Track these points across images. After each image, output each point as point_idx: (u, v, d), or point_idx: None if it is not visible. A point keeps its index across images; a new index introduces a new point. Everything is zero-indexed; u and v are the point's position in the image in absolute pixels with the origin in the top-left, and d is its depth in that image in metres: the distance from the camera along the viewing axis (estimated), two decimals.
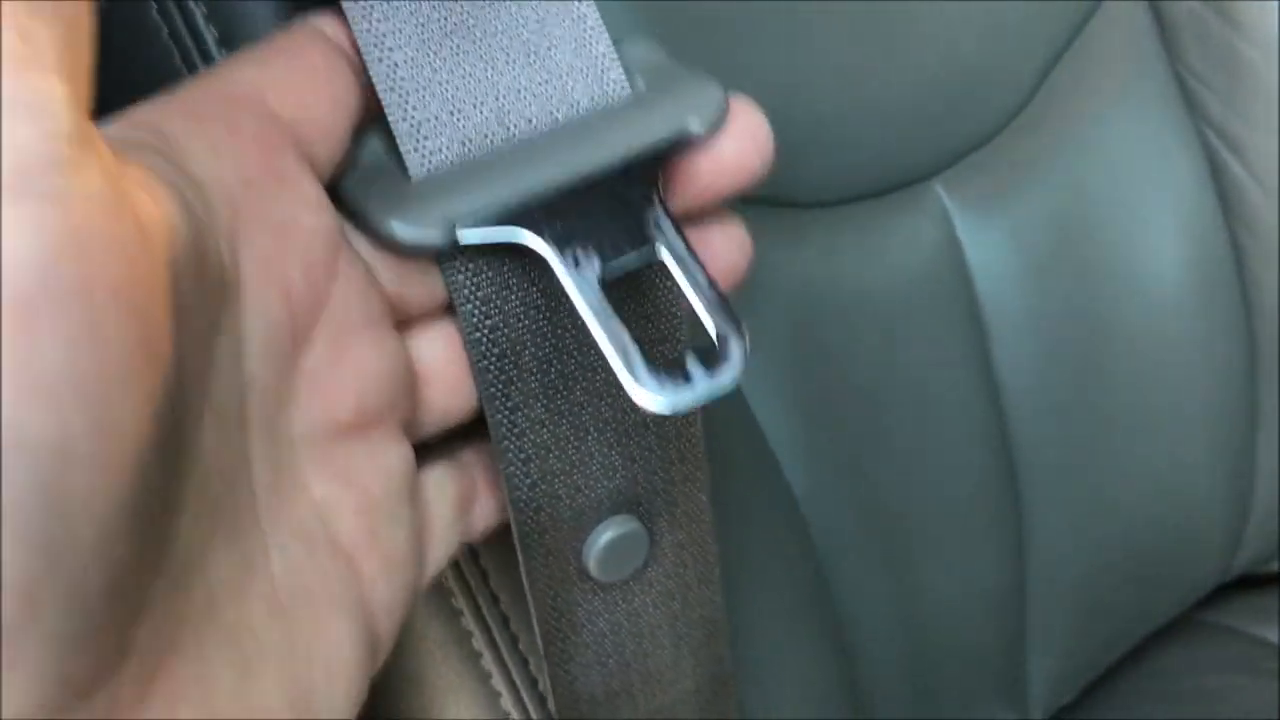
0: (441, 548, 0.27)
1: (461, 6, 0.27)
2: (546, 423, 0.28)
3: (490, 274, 0.26)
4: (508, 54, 0.27)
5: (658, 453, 0.29)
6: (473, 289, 0.26)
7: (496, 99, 0.27)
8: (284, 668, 0.22)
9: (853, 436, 0.48)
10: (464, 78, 0.26)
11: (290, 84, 0.24)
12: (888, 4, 0.48)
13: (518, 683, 0.34)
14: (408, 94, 0.26)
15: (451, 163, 0.26)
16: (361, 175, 0.26)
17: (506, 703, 0.35)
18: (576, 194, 0.26)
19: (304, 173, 0.24)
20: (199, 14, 0.30)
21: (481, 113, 0.26)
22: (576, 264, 0.25)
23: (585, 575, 0.30)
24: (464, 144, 0.26)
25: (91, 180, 0.17)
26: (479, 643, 0.34)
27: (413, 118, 0.26)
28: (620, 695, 0.32)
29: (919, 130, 0.50)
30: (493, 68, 0.27)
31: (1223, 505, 0.61)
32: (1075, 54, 0.55)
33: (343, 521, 0.24)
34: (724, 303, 0.25)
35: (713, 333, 0.25)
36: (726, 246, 0.28)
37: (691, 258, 0.26)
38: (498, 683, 0.34)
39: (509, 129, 0.27)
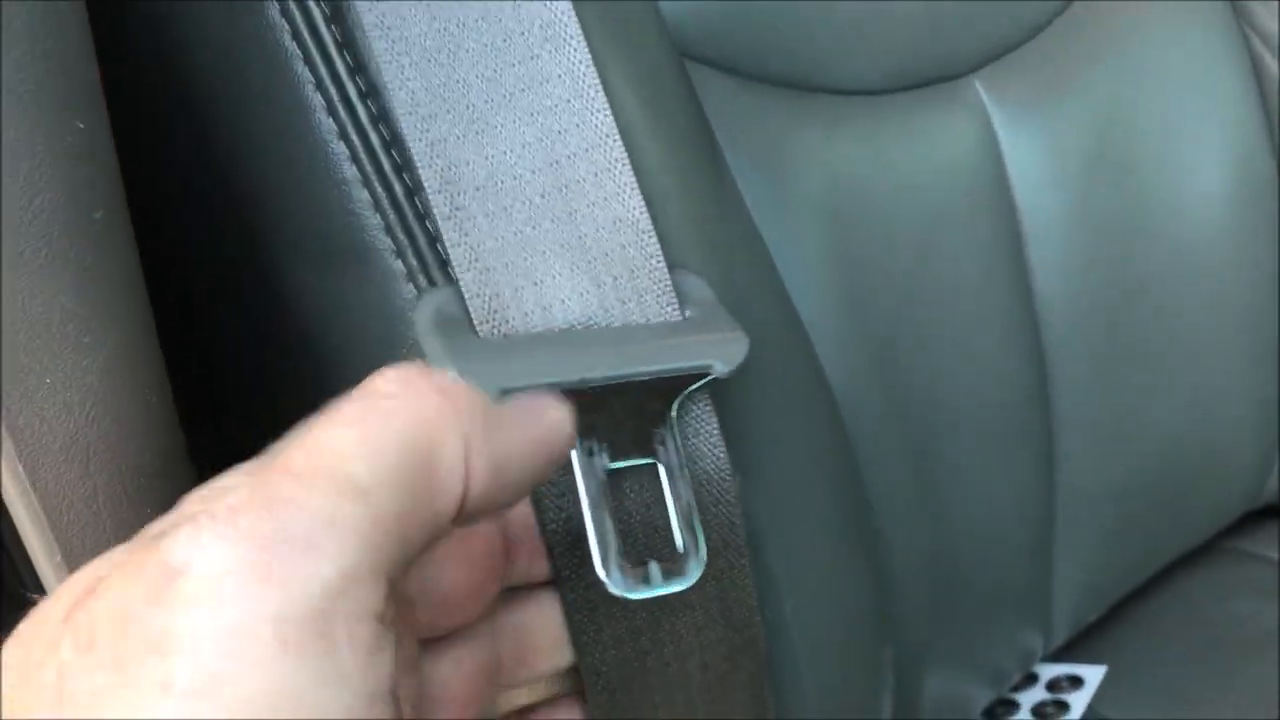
0: None
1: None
2: None
3: None
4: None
5: None
6: None
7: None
8: None
9: (886, 327, 0.47)
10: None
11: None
12: None
13: None
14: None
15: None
16: (437, 324, 0.29)
17: None
18: (606, 391, 0.29)
19: None
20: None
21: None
22: (590, 454, 0.29)
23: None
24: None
25: None
26: None
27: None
28: None
29: (960, 22, 0.49)
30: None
31: (1254, 428, 0.60)
32: None
33: None
34: (696, 523, 0.30)
35: (679, 546, 0.30)
36: None
37: (683, 477, 0.30)
38: None
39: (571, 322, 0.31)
